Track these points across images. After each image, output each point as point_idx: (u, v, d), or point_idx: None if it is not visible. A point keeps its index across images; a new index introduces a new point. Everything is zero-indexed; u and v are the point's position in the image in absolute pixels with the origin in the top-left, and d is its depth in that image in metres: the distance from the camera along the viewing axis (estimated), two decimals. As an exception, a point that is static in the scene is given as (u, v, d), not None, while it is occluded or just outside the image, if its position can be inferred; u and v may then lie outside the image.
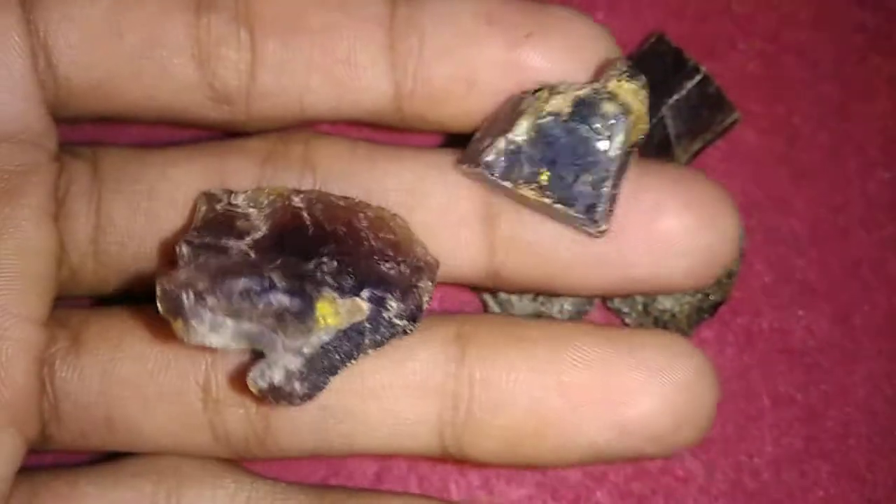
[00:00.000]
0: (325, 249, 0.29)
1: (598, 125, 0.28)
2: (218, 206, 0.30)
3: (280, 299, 0.28)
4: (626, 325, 0.36)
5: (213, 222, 0.29)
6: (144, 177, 0.32)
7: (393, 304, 0.29)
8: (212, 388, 0.31)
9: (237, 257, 0.29)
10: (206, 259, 0.28)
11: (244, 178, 0.31)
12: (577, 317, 0.36)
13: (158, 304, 0.28)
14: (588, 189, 0.28)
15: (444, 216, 0.31)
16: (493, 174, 0.29)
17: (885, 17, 0.37)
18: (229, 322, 0.28)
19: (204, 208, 0.30)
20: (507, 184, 0.29)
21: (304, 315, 0.28)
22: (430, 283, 0.29)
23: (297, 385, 0.28)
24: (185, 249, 0.29)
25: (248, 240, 0.29)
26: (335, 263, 0.29)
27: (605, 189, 0.28)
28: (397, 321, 0.29)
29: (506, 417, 0.30)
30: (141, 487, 0.31)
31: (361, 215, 0.30)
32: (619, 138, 0.28)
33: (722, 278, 0.35)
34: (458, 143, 0.32)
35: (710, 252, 0.30)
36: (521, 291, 0.35)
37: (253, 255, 0.29)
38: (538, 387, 0.30)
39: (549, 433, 0.30)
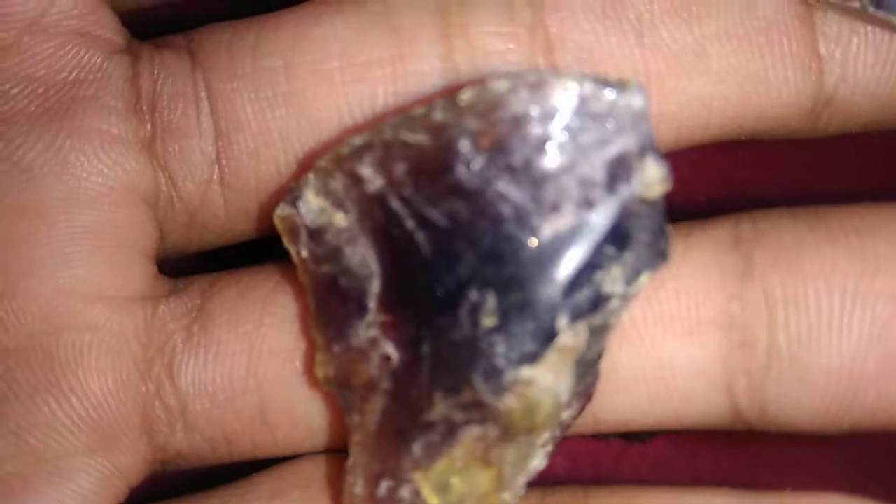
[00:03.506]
0: (464, 271, 0.21)
1: None
2: (302, 250, 0.23)
3: (472, 435, 0.21)
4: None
5: (316, 291, 0.23)
6: (274, 50, 0.24)
7: (609, 277, 0.21)
8: None
9: (379, 367, 0.22)
10: (355, 397, 0.22)
11: (422, 18, 0.24)
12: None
13: None
14: None
15: (743, 23, 0.23)
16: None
17: None
18: None
19: (293, 253, 0.23)
20: None
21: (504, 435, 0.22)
22: (652, 163, 0.21)
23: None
24: (331, 389, 0.23)
25: (371, 308, 0.22)
26: (493, 298, 0.21)
27: None
28: (629, 288, 0.21)
29: (833, 352, 0.22)
30: None
31: (464, 142, 0.21)
32: None
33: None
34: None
35: None
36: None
37: (389, 348, 0.22)
38: (870, 297, 0.22)
39: None
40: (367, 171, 0.22)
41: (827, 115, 0.24)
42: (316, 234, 0.22)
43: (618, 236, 0.20)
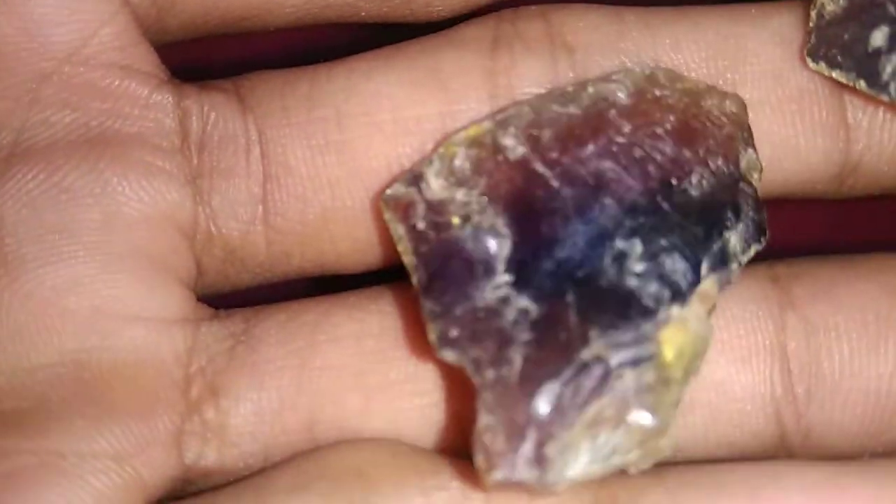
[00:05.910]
0: (609, 223, 0.22)
1: None
2: (418, 222, 0.23)
3: (625, 383, 0.21)
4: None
5: (433, 260, 0.23)
6: (325, 99, 0.25)
7: (732, 238, 0.23)
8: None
9: (516, 321, 0.22)
10: (487, 354, 0.22)
11: (470, 78, 0.25)
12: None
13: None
14: None
15: (776, 91, 0.25)
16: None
17: None
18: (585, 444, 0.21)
19: (401, 230, 0.23)
20: None
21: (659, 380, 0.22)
22: (752, 154, 0.23)
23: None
24: (450, 353, 0.22)
25: (500, 270, 0.22)
26: (639, 245, 0.22)
27: None
28: (742, 256, 0.23)
29: (871, 375, 0.23)
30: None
31: (613, 112, 0.23)
32: None
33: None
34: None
35: None
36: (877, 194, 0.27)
37: (526, 302, 0.22)
38: None
39: None
40: (509, 140, 0.23)
41: (852, 181, 0.25)
42: (437, 205, 0.23)
43: (734, 206, 0.23)
